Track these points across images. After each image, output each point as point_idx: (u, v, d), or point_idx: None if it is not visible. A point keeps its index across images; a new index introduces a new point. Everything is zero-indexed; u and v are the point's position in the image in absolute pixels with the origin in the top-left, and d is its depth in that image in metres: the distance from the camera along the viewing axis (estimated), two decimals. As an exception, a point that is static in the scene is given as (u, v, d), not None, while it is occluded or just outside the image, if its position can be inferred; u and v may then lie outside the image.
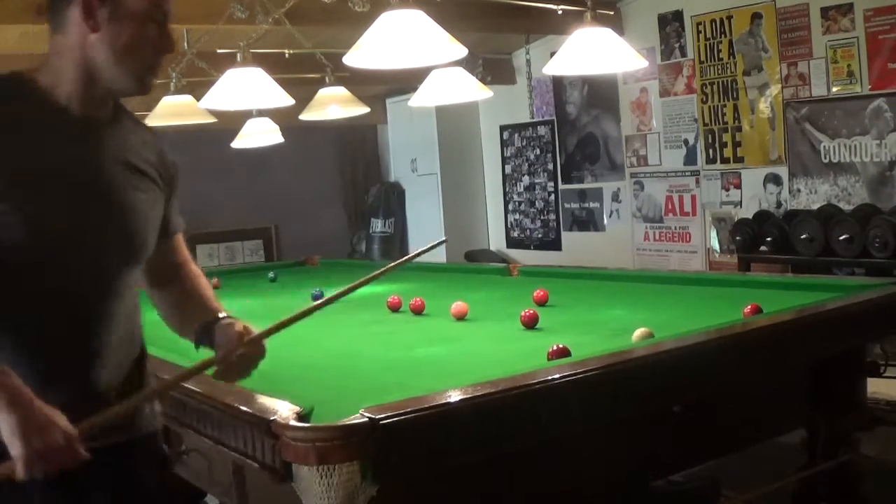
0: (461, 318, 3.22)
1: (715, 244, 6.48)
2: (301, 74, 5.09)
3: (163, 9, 1.62)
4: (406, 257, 1.94)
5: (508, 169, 8.32)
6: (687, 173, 6.64)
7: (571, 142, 7.64)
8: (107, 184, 1.65)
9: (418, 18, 2.59)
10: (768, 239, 5.68)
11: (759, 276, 4.15)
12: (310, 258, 6.08)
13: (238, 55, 3.53)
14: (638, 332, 2.47)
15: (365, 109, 4.76)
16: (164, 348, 2.75)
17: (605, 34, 3.15)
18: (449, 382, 1.92)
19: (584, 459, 2.14)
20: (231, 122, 5.22)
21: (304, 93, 4.40)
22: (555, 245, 7.90)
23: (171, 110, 4.50)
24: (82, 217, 1.61)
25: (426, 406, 1.77)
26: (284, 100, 3.68)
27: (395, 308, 3.57)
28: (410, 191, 8.79)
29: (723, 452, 2.64)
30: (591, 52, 3.14)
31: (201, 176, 8.35)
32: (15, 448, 1.42)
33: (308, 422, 1.73)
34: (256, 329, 1.73)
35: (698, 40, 6.40)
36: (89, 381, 1.64)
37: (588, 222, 7.57)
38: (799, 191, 5.88)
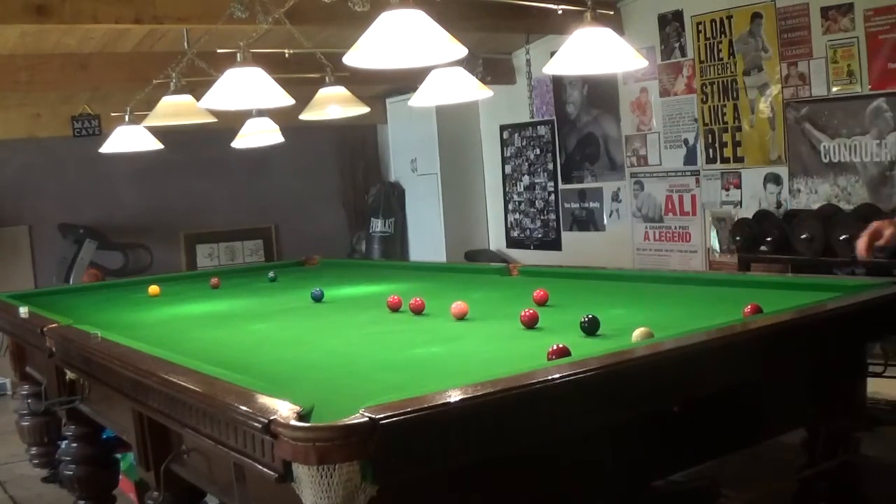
0: (461, 318, 3.22)
1: (715, 244, 6.47)
2: (301, 74, 5.09)
3: None
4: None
5: (508, 169, 8.32)
6: (687, 173, 6.64)
7: (571, 142, 7.64)
8: None
9: (418, 18, 2.59)
10: (768, 239, 5.68)
11: (759, 276, 4.14)
12: (310, 258, 6.08)
13: (238, 55, 3.52)
14: (638, 332, 2.46)
15: (365, 109, 4.76)
16: (174, 350, 2.75)
17: (605, 34, 3.15)
18: (449, 382, 1.92)
19: (584, 459, 2.14)
20: (231, 122, 5.22)
21: (304, 93, 4.40)
22: (555, 245, 7.90)
23: (171, 110, 4.50)
24: None
25: (426, 406, 1.77)
26: (284, 100, 3.67)
27: (395, 308, 3.56)
28: (410, 191, 8.79)
29: (723, 452, 2.64)
30: (591, 52, 3.14)
31: (201, 176, 8.37)
32: None
33: (308, 421, 1.73)
34: None
35: (698, 40, 6.40)
36: None
37: (588, 222, 7.57)
38: (799, 191, 5.89)
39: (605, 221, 7.41)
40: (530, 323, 2.94)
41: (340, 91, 4.57)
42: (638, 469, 2.31)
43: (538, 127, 7.94)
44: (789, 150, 5.92)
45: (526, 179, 8.14)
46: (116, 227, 8.05)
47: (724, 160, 6.36)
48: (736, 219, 6.11)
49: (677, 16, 6.52)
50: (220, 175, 8.43)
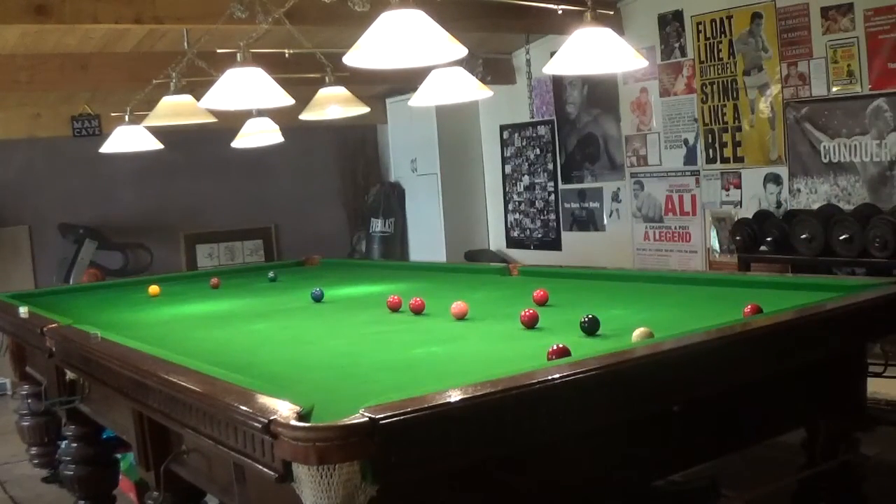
0: (461, 318, 3.22)
1: (715, 244, 6.48)
2: (301, 74, 5.09)
3: None
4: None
5: (508, 169, 8.32)
6: (687, 173, 6.64)
7: (571, 142, 7.64)
8: None
9: (418, 18, 2.59)
10: (768, 239, 5.68)
11: (759, 276, 4.14)
12: (310, 258, 6.08)
13: (238, 55, 3.52)
14: (638, 332, 2.46)
15: (365, 109, 4.76)
16: (174, 350, 2.76)
17: (605, 34, 3.15)
18: (449, 382, 1.92)
19: (584, 459, 2.14)
20: (231, 122, 5.22)
21: (304, 93, 4.40)
22: (555, 245, 7.90)
23: (171, 110, 4.50)
24: None
25: (426, 406, 1.77)
26: (284, 100, 3.67)
27: (395, 308, 3.56)
28: (410, 191, 8.80)
29: (723, 452, 2.64)
30: (591, 52, 3.14)
31: (201, 176, 8.37)
32: None
33: (308, 421, 1.73)
34: None
35: (698, 40, 6.40)
36: None
37: (588, 222, 7.57)
38: (799, 191, 5.89)
39: (605, 221, 7.41)
40: (530, 323, 2.94)
41: (340, 91, 4.57)
42: (638, 469, 2.31)
43: (538, 127, 7.94)
44: (789, 150, 5.92)
45: (526, 179, 8.14)
46: (116, 227, 8.05)
47: (724, 160, 6.36)
48: (736, 219, 6.11)
49: (677, 16, 6.52)
50: (220, 175, 8.43)
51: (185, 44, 4.97)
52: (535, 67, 7.60)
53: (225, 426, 1.95)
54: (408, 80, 6.01)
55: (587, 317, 2.73)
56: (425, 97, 3.99)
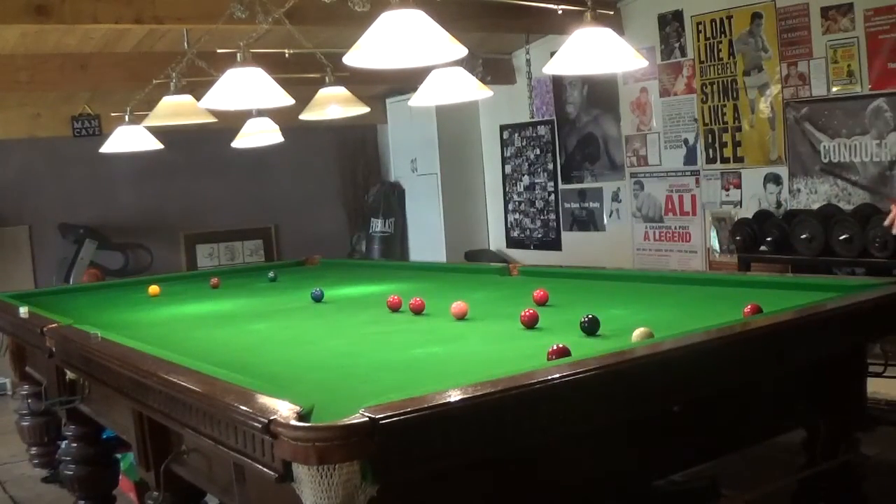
0: (461, 317, 3.22)
1: (715, 244, 6.48)
2: (301, 74, 5.09)
3: None
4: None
5: (508, 169, 8.32)
6: (687, 173, 6.64)
7: (571, 142, 7.64)
8: None
9: (418, 18, 2.59)
10: (768, 239, 5.68)
11: (759, 276, 4.14)
12: (310, 258, 6.09)
13: (238, 55, 3.52)
14: (638, 332, 2.46)
15: (365, 109, 4.76)
16: (175, 350, 2.76)
17: (605, 34, 3.15)
18: (449, 382, 1.92)
19: (584, 459, 2.14)
20: (231, 121, 5.22)
21: (304, 93, 4.40)
22: (555, 245, 7.90)
23: (171, 110, 4.50)
24: None
25: (426, 406, 1.77)
26: (284, 100, 3.67)
27: (395, 308, 3.57)
28: (410, 191, 8.79)
29: (723, 452, 2.64)
30: (591, 52, 3.14)
31: (201, 176, 8.37)
32: None
33: (308, 421, 1.73)
34: None
35: (698, 40, 6.40)
36: None
37: (588, 222, 7.57)
38: (799, 191, 5.89)
39: (605, 221, 7.41)
40: (530, 323, 2.94)
41: (340, 91, 4.57)
42: (638, 469, 2.31)
43: (538, 127, 7.94)
44: (789, 150, 5.92)
45: (526, 179, 8.14)
46: (116, 227, 8.05)
47: (724, 160, 6.36)
48: (736, 219, 6.11)
49: (677, 16, 6.52)
50: (220, 175, 8.42)
51: (185, 44, 4.97)
52: (535, 67, 7.60)
53: (225, 426, 1.95)
54: (408, 80, 6.01)
55: (587, 317, 2.73)
56: (425, 97, 3.99)
